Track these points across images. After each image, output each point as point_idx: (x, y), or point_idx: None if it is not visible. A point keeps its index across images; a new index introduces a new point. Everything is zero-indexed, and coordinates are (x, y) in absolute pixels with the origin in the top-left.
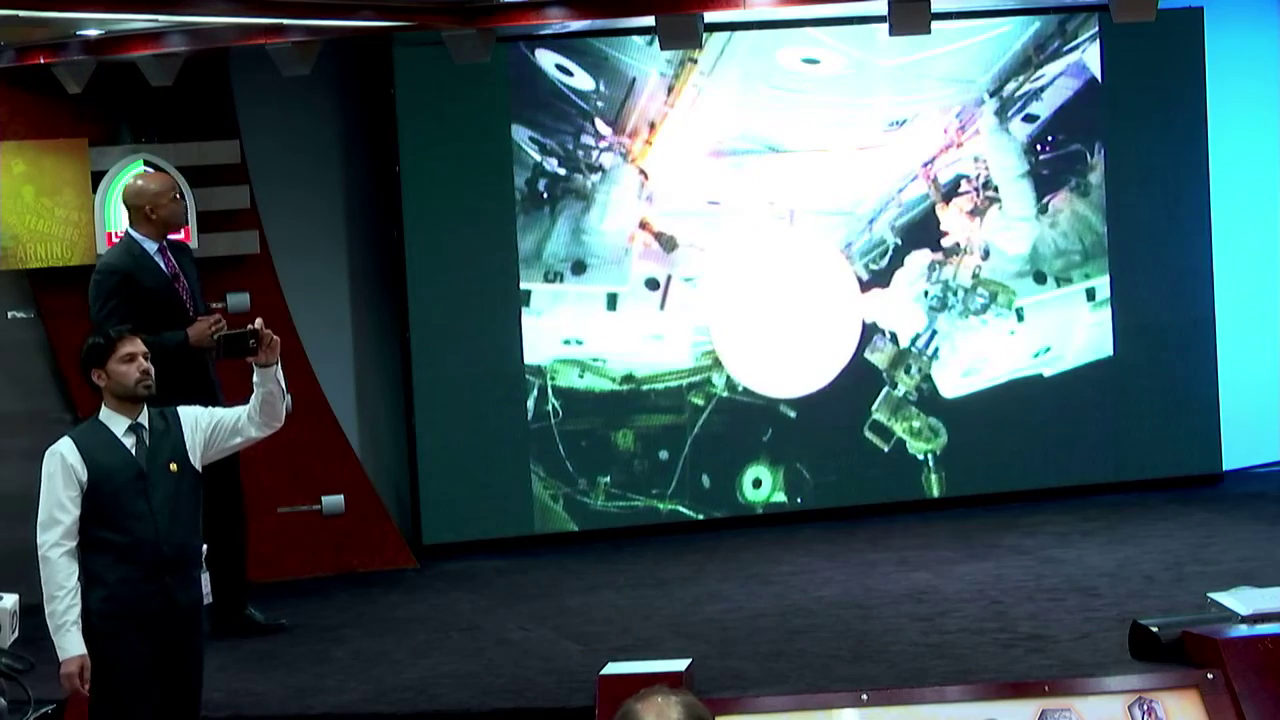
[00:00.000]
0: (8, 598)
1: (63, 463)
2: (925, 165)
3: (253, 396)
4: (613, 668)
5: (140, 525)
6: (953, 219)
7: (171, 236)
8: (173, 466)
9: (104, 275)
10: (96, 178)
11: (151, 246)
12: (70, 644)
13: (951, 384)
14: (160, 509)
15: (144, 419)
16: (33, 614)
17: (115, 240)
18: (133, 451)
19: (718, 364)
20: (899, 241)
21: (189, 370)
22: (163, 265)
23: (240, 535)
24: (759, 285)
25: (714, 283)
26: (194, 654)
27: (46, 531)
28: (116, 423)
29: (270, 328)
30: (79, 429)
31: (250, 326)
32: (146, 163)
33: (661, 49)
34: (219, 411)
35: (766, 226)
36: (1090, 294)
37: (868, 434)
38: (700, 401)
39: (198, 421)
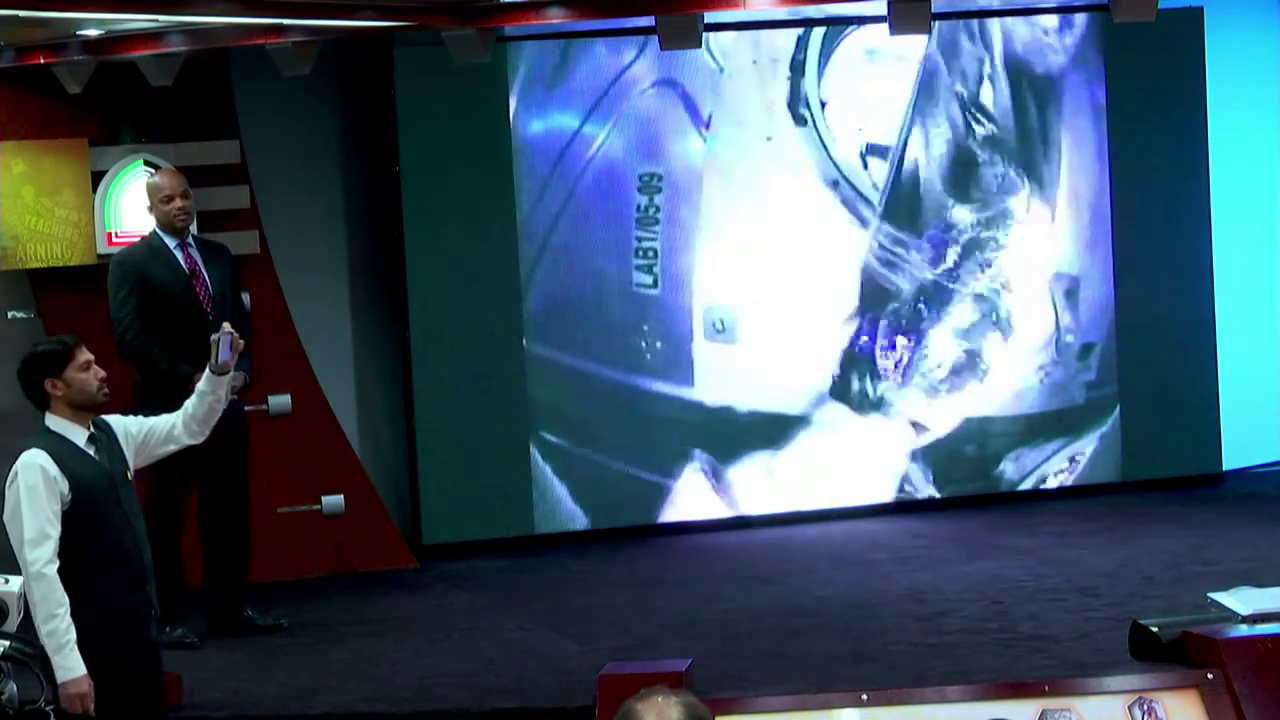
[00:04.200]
0: (13, 580)
1: (44, 475)
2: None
3: (193, 403)
4: (613, 668)
5: (122, 536)
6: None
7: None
8: (129, 474)
9: (115, 266)
10: (96, 178)
11: (171, 242)
12: (75, 663)
13: (951, 381)
14: (133, 517)
15: (91, 428)
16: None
17: (115, 240)
18: (100, 461)
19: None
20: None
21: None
22: (180, 261)
23: (244, 536)
24: (767, 274)
25: (713, 275)
26: (160, 661)
27: (38, 548)
28: (75, 433)
29: (270, 327)
30: (43, 441)
31: (217, 335)
32: (147, 163)
33: (662, 49)
34: (149, 420)
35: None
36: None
37: (869, 434)
38: (703, 401)
39: (128, 430)
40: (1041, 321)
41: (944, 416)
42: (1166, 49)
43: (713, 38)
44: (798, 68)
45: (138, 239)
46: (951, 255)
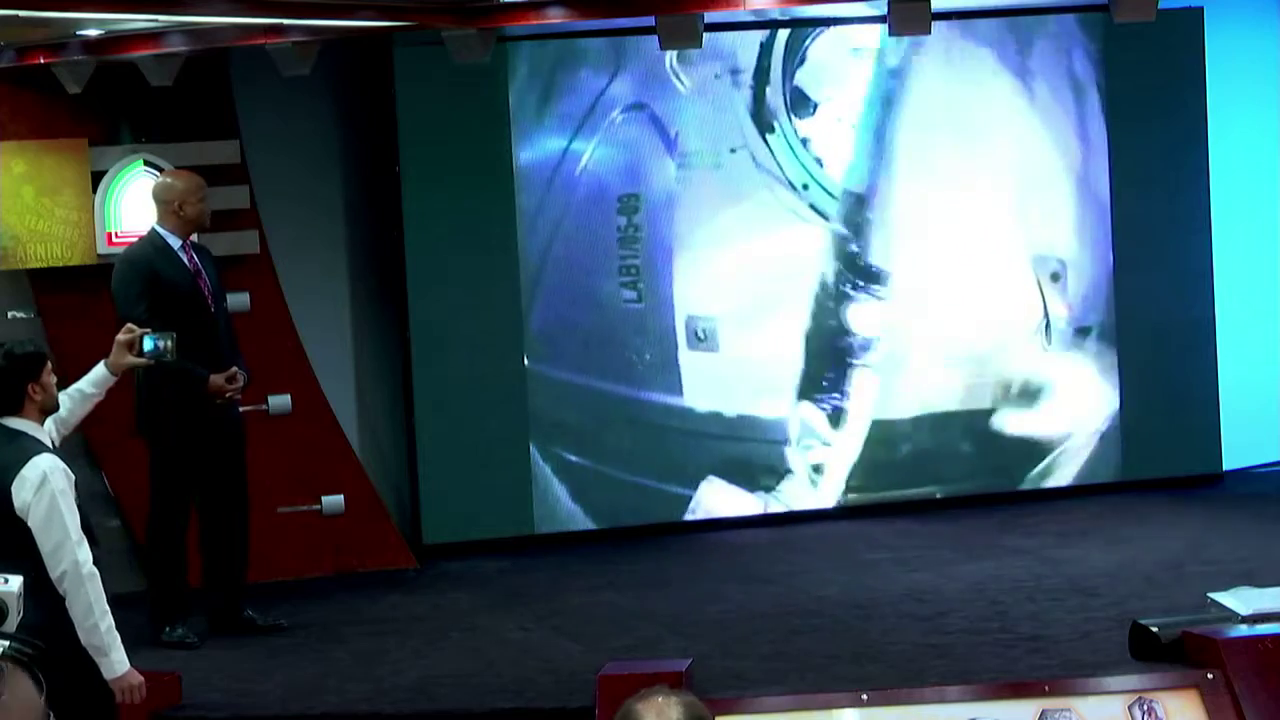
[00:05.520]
0: (13, 579)
1: (68, 479)
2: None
3: (70, 407)
4: (613, 668)
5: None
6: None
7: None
8: None
9: (125, 266)
10: (96, 178)
11: (175, 242)
12: (124, 656)
13: (952, 382)
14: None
15: None
16: None
17: (115, 240)
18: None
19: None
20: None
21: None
22: (185, 261)
23: (244, 536)
24: (742, 282)
25: (691, 287)
26: None
27: (81, 548)
28: (45, 437)
29: (271, 327)
30: (39, 445)
31: (159, 337)
32: (147, 163)
33: (661, 49)
34: None
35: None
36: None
37: (869, 433)
38: (692, 408)
39: None
40: (1029, 311)
41: (934, 414)
42: (1166, 49)
43: (675, 54)
44: (762, 75)
45: (137, 239)
46: (932, 251)
